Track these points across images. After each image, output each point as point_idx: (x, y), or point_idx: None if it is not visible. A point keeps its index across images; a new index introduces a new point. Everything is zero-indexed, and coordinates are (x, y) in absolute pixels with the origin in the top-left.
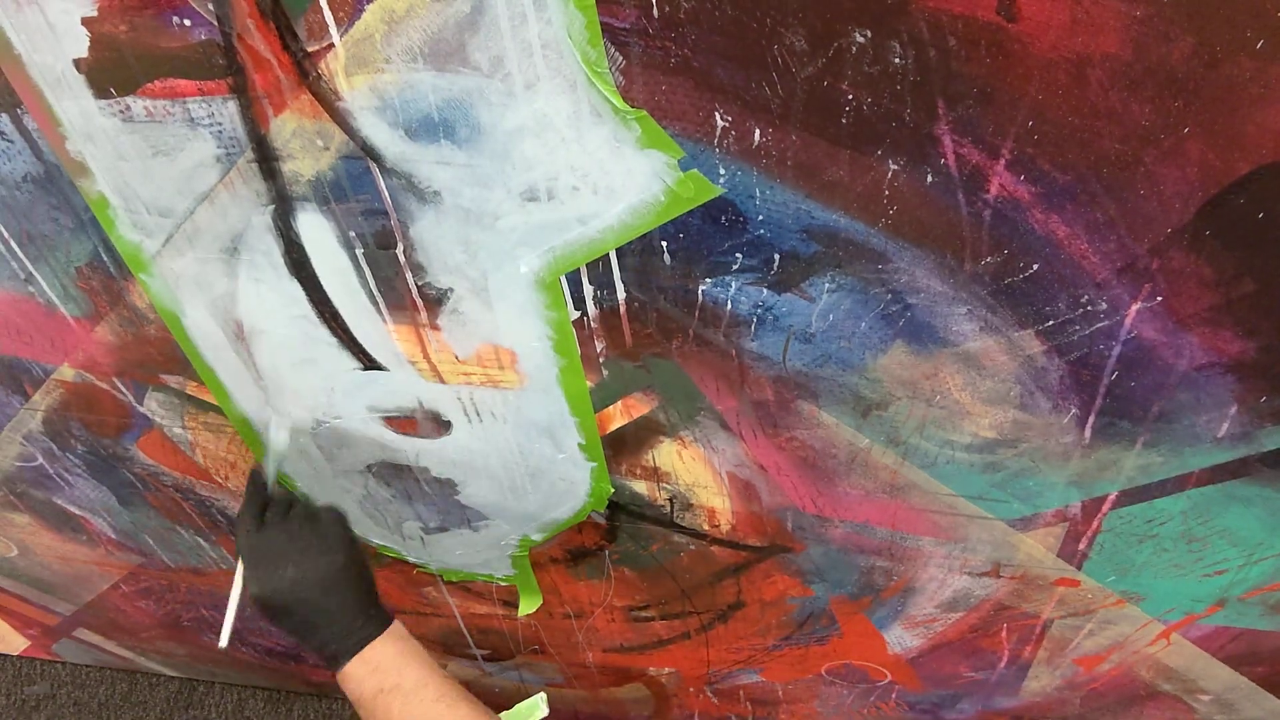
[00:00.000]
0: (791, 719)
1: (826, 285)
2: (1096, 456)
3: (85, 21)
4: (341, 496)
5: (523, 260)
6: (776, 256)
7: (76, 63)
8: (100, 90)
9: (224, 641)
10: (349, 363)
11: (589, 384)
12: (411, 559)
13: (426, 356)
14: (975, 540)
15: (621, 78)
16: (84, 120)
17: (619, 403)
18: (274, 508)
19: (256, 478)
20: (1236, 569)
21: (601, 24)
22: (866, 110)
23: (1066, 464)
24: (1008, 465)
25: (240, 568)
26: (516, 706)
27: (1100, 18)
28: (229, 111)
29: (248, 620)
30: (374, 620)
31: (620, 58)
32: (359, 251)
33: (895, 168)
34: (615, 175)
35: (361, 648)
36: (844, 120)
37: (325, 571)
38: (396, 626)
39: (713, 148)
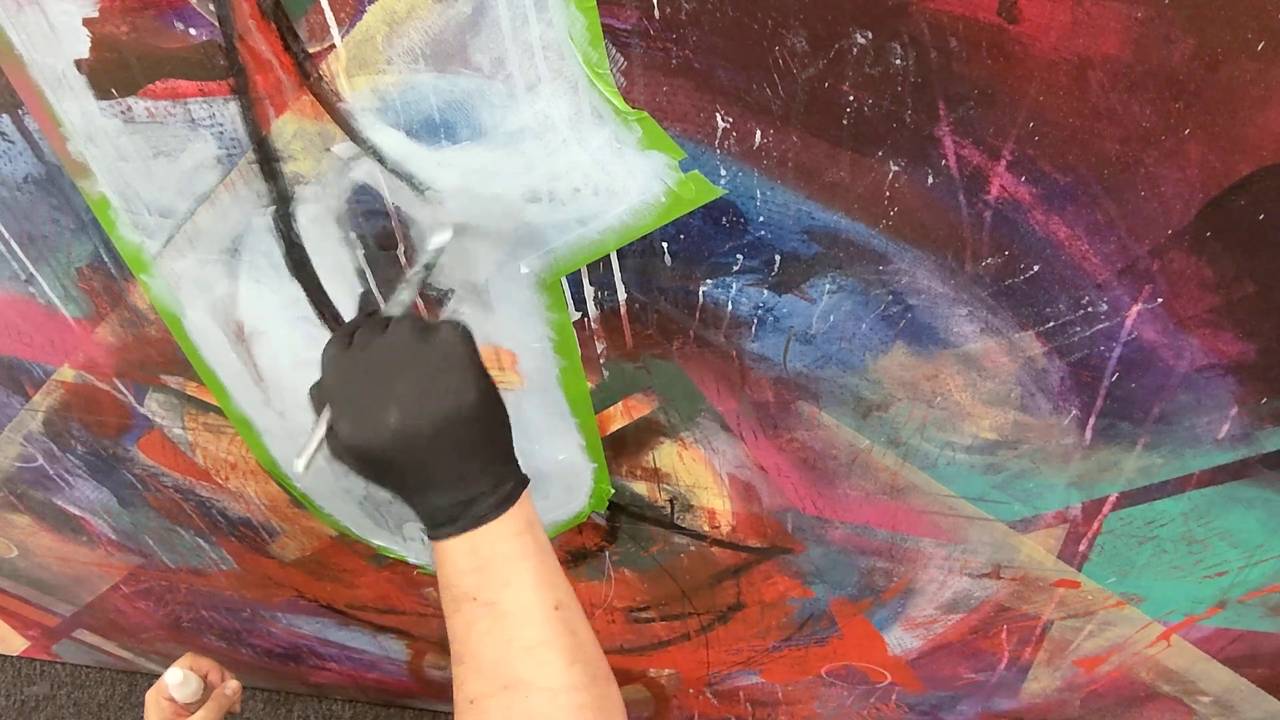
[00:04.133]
0: None
1: (827, 286)
2: (1097, 458)
3: (86, 22)
4: (343, 497)
5: (524, 261)
6: (777, 258)
7: (78, 63)
8: (101, 91)
9: (302, 467)
10: None
11: (590, 385)
12: (412, 560)
13: None
14: (975, 542)
15: (623, 79)
16: (85, 121)
17: (620, 404)
18: (368, 325)
19: (369, 298)
20: (1237, 571)
21: (603, 25)
22: (867, 111)
23: (1067, 465)
24: (1008, 467)
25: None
26: None
27: (1101, 19)
28: (230, 112)
29: (246, 621)
30: (506, 481)
31: (621, 59)
32: (360, 252)
33: (896, 169)
34: (616, 176)
35: (482, 521)
36: (845, 121)
37: (446, 410)
38: (527, 500)
39: (714, 149)
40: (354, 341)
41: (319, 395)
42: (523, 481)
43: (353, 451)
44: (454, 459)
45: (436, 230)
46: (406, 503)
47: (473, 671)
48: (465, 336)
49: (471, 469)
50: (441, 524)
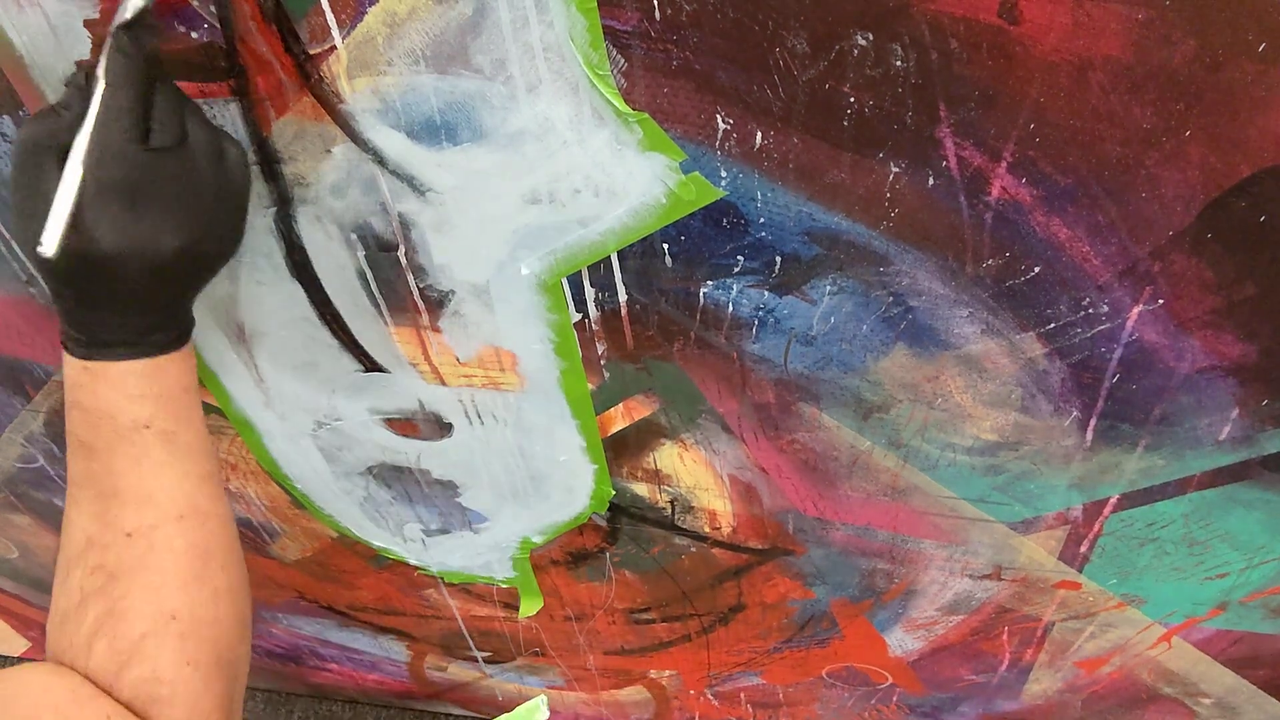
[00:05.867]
0: None
1: (828, 288)
2: (1098, 459)
3: (87, 24)
4: (343, 498)
5: (524, 262)
6: (778, 259)
7: (78, 65)
8: None
9: (52, 251)
10: (350, 365)
11: (590, 386)
12: (412, 561)
13: (428, 358)
14: (976, 543)
15: (623, 80)
16: None
17: (620, 405)
18: (162, 114)
19: (138, 39)
20: (1238, 572)
21: (603, 27)
22: (868, 113)
23: (1068, 467)
24: (1009, 468)
25: (76, 172)
26: (517, 709)
27: (1102, 21)
28: (231, 114)
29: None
30: (190, 313)
31: (622, 60)
32: (361, 253)
33: (897, 170)
34: (617, 178)
35: (171, 348)
36: (846, 123)
37: (215, 251)
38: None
39: (714, 150)
40: (153, 138)
41: (92, 176)
42: (193, 320)
43: (97, 256)
44: (183, 290)
45: None
46: (87, 311)
47: (134, 504)
48: (248, 165)
49: (186, 301)
50: (121, 344)
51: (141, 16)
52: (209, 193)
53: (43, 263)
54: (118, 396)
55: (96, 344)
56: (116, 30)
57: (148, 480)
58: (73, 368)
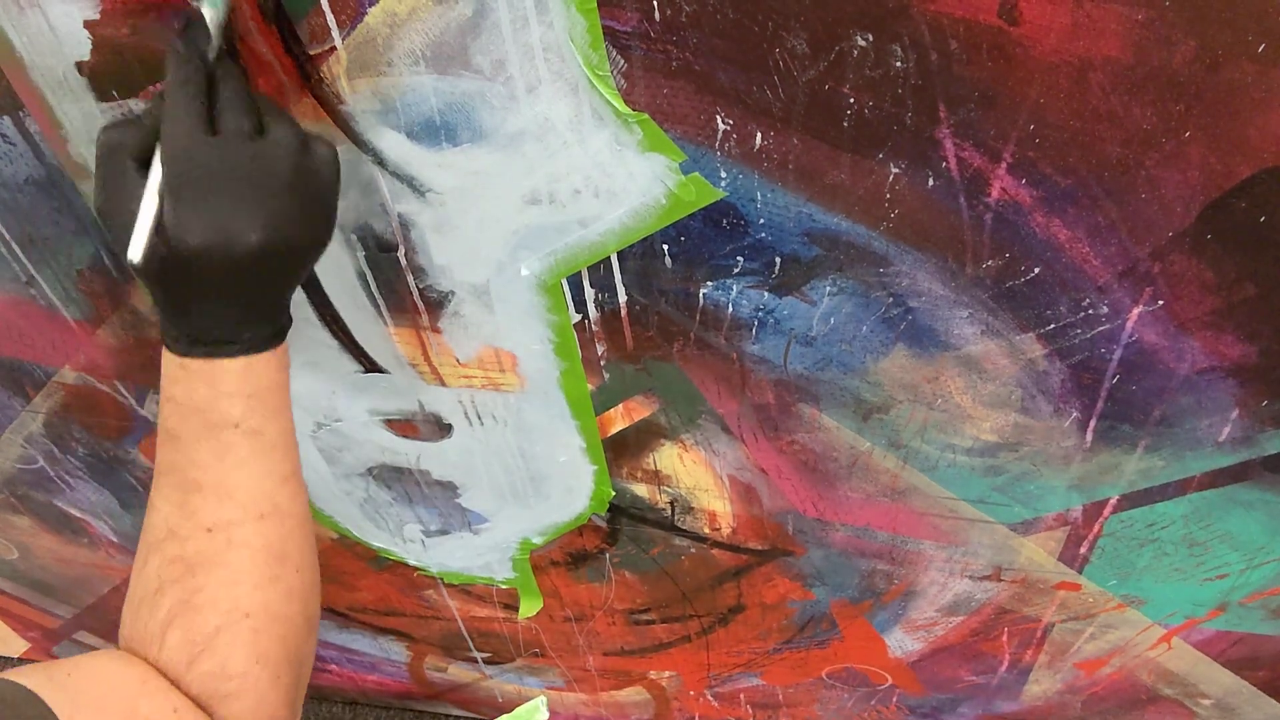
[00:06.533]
0: None
1: (828, 288)
2: (1098, 460)
3: (88, 24)
4: (343, 499)
5: (524, 263)
6: (778, 260)
7: (79, 65)
8: (102, 93)
9: (139, 257)
10: (350, 365)
11: (590, 387)
12: (412, 562)
13: (428, 359)
14: (976, 544)
15: (623, 81)
16: (86, 123)
17: (620, 406)
18: (230, 107)
19: (193, 42)
20: (1238, 573)
21: (603, 27)
22: (868, 114)
23: (1068, 468)
24: (1009, 469)
25: (157, 176)
26: (517, 710)
27: (1102, 21)
28: None
29: None
30: (286, 311)
31: (622, 61)
32: (361, 254)
33: (896, 171)
34: (617, 178)
35: (265, 346)
36: (845, 124)
37: (306, 243)
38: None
39: (714, 151)
40: (222, 129)
41: (166, 173)
42: (290, 318)
43: (181, 255)
44: (273, 284)
45: None
46: (180, 309)
47: (215, 499)
48: (337, 163)
49: (280, 296)
50: (216, 342)
51: (197, 26)
52: (289, 185)
53: (134, 267)
54: (211, 393)
55: (192, 341)
56: (173, 39)
57: (230, 476)
58: (169, 363)
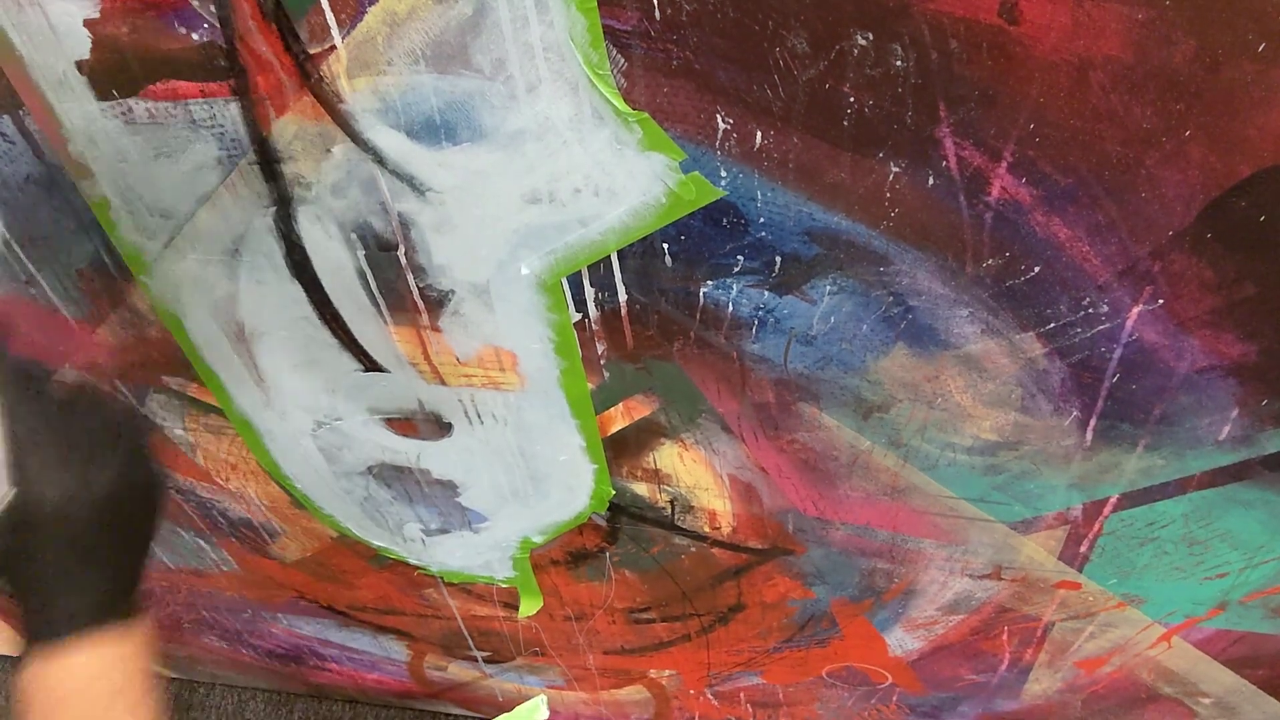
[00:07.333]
0: None
1: (828, 288)
2: (1098, 459)
3: (87, 23)
4: (343, 498)
5: (524, 262)
6: (778, 259)
7: (79, 64)
8: (102, 92)
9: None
10: (350, 364)
11: (590, 386)
12: (412, 561)
13: (428, 358)
14: (976, 543)
15: (623, 80)
16: (86, 122)
17: (620, 405)
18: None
19: None
20: (1238, 572)
21: (603, 26)
22: (868, 113)
23: (1068, 467)
24: (1009, 468)
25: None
26: (517, 709)
27: (1102, 21)
28: (231, 113)
29: (247, 622)
30: (130, 601)
31: (622, 60)
32: (360, 253)
33: (897, 170)
34: (617, 177)
35: (105, 628)
36: (846, 123)
37: (125, 494)
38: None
39: (714, 150)
40: (32, 388)
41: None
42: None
43: (32, 504)
44: (113, 544)
45: None
46: (33, 599)
47: None
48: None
49: (122, 560)
50: (69, 626)
51: None
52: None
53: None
54: (63, 679)
55: (59, 632)
56: None
57: None
58: (29, 671)
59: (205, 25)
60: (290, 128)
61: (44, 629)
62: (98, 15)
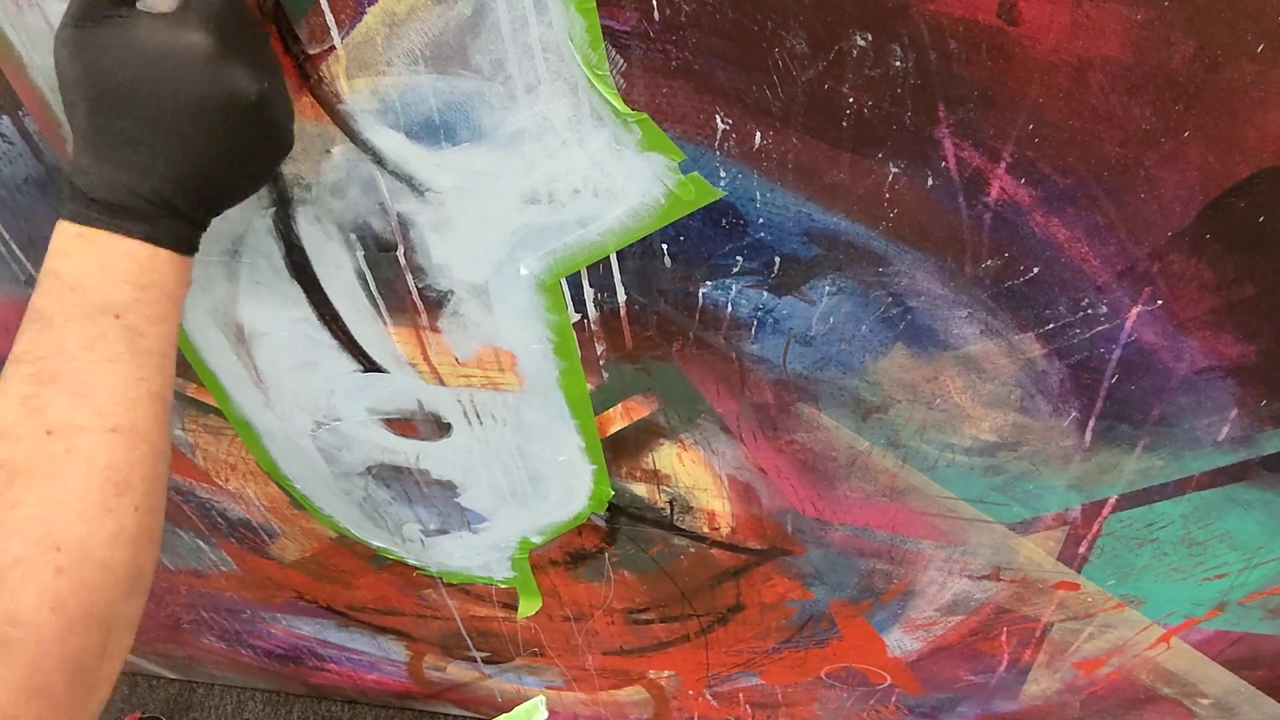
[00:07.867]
0: None
1: (827, 288)
2: (1097, 460)
3: None
4: (342, 498)
5: (523, 263)
6: (777, 259)
7: None
8: None
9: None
10: (349, 365)
11: (589, 386)
12: (411, 561)
13: (427, 359)
14: (975, 543)
15: (622, 81)
16: None
17: (619, 405)
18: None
19: None
20: (1236, 573)
21: (602, 27)
22: (867, 113)
23: (1067, 467)
24: (1008, 468)
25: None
26: (516, 709)
27: (1101, 21)
28: None
29: (246, 622)
30: (195, 222)
31: (621, 61)
32: (360, 254)
33: (896, 171)
34: (616, 178)
35: (177, 246)
36: (845, 123)
37: (272, 142)
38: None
39: (713, 150)
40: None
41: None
42: (198, 245)
43: (194, 52)
44: (218, 172)
45: None
46: (106, 145)
47: (70, 396)
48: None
49: (213, 196)
50: (123, 209)
51: None
52: (288, 102)
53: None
54: (101, 274)
55: (102, 207)
56: None
57: (93, 372)
58: (63, 234)
59: None
60: None
61: (135, 208)
62: None
